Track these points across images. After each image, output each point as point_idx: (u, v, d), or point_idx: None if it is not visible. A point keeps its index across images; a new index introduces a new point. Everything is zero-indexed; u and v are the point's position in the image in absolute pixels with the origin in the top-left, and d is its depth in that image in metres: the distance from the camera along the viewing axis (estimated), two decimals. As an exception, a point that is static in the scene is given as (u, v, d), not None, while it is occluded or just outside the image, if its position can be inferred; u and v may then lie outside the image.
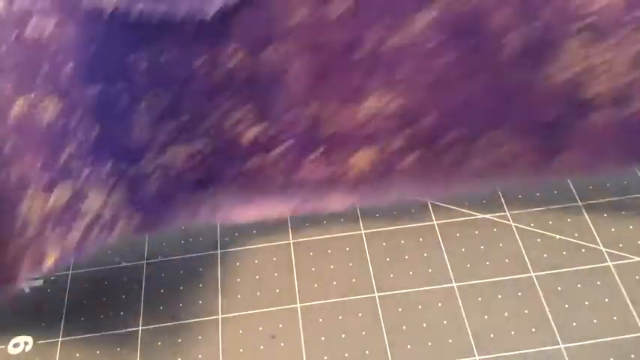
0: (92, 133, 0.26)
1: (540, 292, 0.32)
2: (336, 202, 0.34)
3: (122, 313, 0.33)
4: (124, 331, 0.33)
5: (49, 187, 0.24)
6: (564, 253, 0.34)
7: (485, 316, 0.32)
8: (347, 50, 0.29)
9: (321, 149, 0.31)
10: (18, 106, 0.24)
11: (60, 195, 0.24)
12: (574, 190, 0.36)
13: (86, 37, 0.25)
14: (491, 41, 0.29)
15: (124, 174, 0.28)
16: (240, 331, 0.32)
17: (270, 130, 0.31)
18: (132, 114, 0.28)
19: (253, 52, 0.29)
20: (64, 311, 0.34)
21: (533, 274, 0.33)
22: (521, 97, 0.30)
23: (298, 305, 0.33)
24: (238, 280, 0.34)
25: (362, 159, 0.32)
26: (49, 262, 0.25)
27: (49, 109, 0.24)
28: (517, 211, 0.36)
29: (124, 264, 0.34)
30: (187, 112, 0.30)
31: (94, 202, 0.25)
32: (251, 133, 0.31)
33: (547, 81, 0.29)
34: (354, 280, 0.34)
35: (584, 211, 0.35)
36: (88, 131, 0.25)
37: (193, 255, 0.36)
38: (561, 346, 0.31)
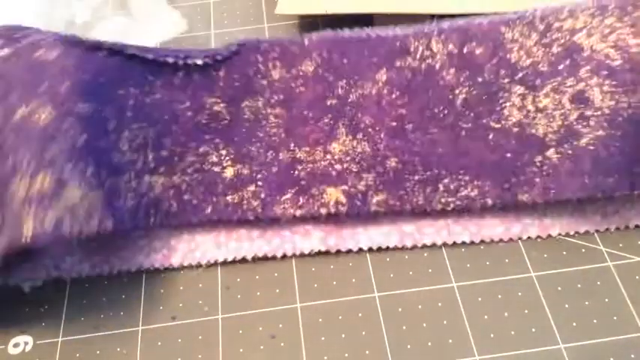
0: (79, 140, 0.30)
1: (540, 292, 0.32)
2: (311, 239, 0.34)
3: (122, 313, 0.33)
4: (124, 331, 0.33)
5: (34, 175, 0.29)
6: (564, 253, 0.34)
7: (485, 316, 0.32)
8: (316, 102, 0.34)
9: (295, 188, 0.34)
10: (19, 112, 0.30)
11: (42, 182, 0.29)
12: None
13: (83, 66, 0.32)
14: (442, 96, 0.34)
15: (103, 181, 0.31)
16: (240, 331, 0.32)
17: (245, 170, 0.34)
18: (115, 136, 0.32)
19: (233, 103, 0.35)
20: (64, 311, 0.34)
21: (533, 274, 0.33)
22: (477, 140, 0.33)
23: (298, 305, 0.33)
24: (238, 280, 0.34)
25: (334, 197, 0.33)
26: (26, 235, 0.28)
27: (43, 116, 0.29)
28: (517, 211, 0.36)
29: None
30: (167, 149, 0.34)
31: (72, 194, 0.29)
32: (227, 173, 0.34)
33: (498, 124, 0.33)
34: (354, 279, 0.34)
35: (584, 211, 0.35)
36: (75, 137, 0.30)
37: (193, 255, 0.36)
38: (561, 346, 0.31)
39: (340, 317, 0.32)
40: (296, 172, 0.34)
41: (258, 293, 0.34)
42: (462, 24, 0.34)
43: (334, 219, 0.34)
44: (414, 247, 0.34)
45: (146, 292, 0.34)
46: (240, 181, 0.34)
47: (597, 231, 0.34)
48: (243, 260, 0.35)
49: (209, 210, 0.34)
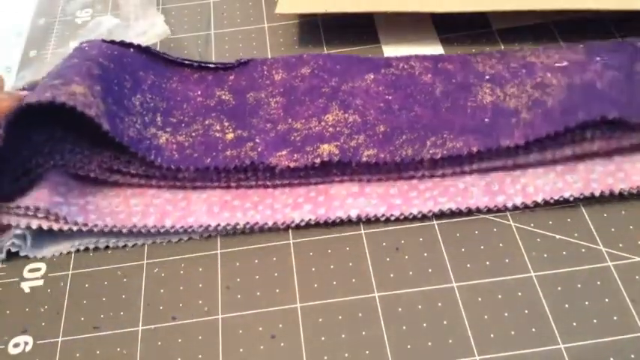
0: (94, 71, 0.37)
1: (540, 292, 0.32)
2: (302, 210, 0.36)
3: (122, 313, 0.34)
4: (124, 331, 0.33)
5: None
6: (564, 253, 0.34)
7: (485, 316, 0.32)
8: (312, 90, 0.40)
9: (290, 148, 0.37)
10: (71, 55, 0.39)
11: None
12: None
13: (112, 47, 0.40)
14: (422, 89, 0.40)
15: (108, 103, 0.36)
16: (240, 331, 0.32)
17: (245, 134, 0.38)
18: (129, 93, 0.38)
19: (239, 94, 0.41)
20: (64, 311, 0.34)
21: (533, 274, 0.33)
22: (457, 113, 0.38)
23: (298, 305, 0.33)
24: (238, 280, 0.34)
25: (327, 149, 0.36)
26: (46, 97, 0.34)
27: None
28: (517, 211, 0.36)
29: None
30: (176, 118, 0.39)
31: (75, 88, 0.35)
32: (228, 137, 0.38)
33: (474, 104, 0.38)
34: (354, 280, 0.34)
35: (584, 211, 0.35)
36: (91, 69, 0.37)
37: (193, 255, 0.36)
38: (561, 346, 0.31)
39: (340, 317, 0.32)
40: (292, 138, 0.38)
41: (258, 293, 0.34)
42: (434, 54, 0.42)
43: (324, 192, 0.36)
44: (406, 218, 0.35)
45: (146, 292, 0.34)
46: (240, 141, 0.38)
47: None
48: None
49: (208, 160, 0.36)
